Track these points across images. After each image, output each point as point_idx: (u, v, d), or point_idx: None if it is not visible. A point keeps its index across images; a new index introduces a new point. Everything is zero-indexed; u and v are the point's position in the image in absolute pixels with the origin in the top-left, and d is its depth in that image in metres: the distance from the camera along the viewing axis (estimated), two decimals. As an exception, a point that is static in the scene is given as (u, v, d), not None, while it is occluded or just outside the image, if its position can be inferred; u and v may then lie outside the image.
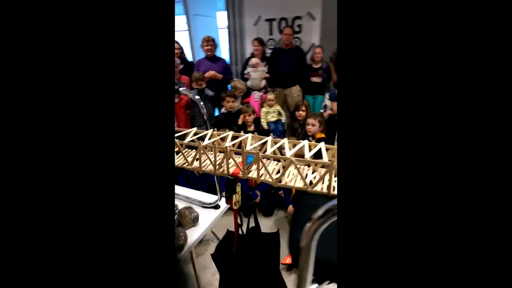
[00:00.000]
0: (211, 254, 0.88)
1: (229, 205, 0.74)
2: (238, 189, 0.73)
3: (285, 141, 0.74)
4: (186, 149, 0.84)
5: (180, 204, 1.20)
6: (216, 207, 1.22)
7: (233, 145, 0.74)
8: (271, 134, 0.80)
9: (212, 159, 0.73)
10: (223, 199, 1.21)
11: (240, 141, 0.76)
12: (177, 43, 2.87)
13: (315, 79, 2.80)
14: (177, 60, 2.63)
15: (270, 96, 2.60)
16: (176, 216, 1.08)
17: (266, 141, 0.75)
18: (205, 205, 1.23)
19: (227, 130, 2.09)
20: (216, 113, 2.81)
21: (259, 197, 2.06)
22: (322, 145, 0.70)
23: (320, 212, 0.38)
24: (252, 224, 0.87)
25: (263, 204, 2.06)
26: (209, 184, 2.05)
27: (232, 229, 0.82)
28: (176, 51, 2.79)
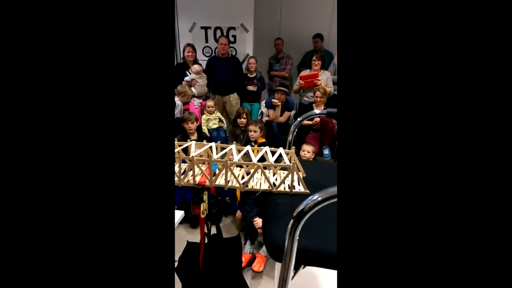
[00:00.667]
0: (175, 269, 0.85)
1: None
2: (205, 197, 0.74)
3: (248, 148, 0.79)
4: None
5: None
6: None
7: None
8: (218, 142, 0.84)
9: (177, 170, 0.72)
10: (177, 212, 1.17)
11: (205, 150, 0.78)
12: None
13: (251, 88, 2.96)
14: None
15: (210, 102, 2.61)
16: None
17: (211, 147, 0.79)
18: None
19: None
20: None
21: (205, 205, 2.05)
22: (281, 150, 0.78)
23: (301, 207, 0.45)
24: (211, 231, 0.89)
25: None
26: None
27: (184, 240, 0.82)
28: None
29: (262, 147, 0.79)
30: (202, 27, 3.14)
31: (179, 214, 1.17)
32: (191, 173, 0.73)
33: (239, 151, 0.78)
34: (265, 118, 2.79)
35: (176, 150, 0.77)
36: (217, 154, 0.76)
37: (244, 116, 2.44)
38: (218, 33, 3.13)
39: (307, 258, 0.52)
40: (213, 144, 0.80)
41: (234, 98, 2.92)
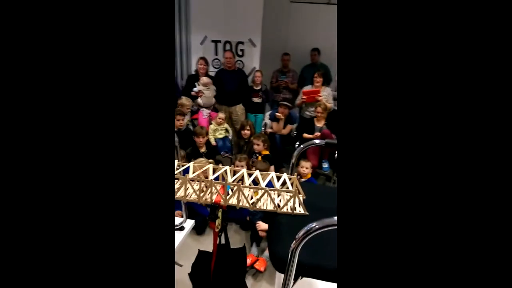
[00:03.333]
0: (188, 273, 0.98)
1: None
2: (220, 214, 0.87)
3: (257, 173, 0.93)
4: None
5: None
6: (181, 228, 1.30)
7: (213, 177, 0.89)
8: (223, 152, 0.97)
9: (197, 190, 0.86)
10: (189, 221, 1.31)
11: (221, 172, 0.91)
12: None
13: (256, 99, 3.10)
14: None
15: (221, 115, 2.75)
16: None
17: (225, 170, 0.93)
18: (168, 227, 1.30)
19: (181, 151, 2.12)
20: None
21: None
22: (285, 175, 0.92)
23: (302, 232, 0.58)
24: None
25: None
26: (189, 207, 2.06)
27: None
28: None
29: (269, 173, 0.92)
30: (212, 41, 3.30)
31: (190, 223, 1.31)
32: (208, 191, 0.86)
33: (249, 175, 0.92)
34: (268, 130, 2.93)
35: (196, 172, 0.91)
36: (231, 177, 0.89)
37: (248, 128, 2.57)
38: (227, 46, 3.29)
39: (304, 271, 0.66)
40: (227, 168, 0.93)
41: (240, 108, 3.06)
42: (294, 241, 0.58)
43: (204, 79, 2.86)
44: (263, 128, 3.09)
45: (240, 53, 3.30)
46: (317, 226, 0.57)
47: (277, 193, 0.93)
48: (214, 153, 2.55)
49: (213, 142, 2.71)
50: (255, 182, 0.90)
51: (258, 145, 2.39)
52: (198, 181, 0.85)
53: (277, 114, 2.83)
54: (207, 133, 2.50)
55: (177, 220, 1.34)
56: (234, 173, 0.94)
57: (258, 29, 3.25)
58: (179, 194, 0.87)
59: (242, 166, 2.36)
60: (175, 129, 2.53)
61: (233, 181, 0.86)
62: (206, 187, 0.87)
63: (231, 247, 1.02)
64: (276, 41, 3.42)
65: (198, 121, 2.90)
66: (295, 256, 0.59)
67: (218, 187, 0.87)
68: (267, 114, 3.17)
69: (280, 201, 0.90)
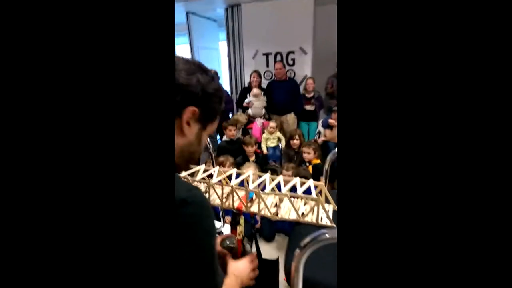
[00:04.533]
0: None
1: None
2: (242, 221, 0.85)
3: (280, 178, 0.88)
4: (196, 183, 0.98)
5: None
6: (220, 233, 1.33)
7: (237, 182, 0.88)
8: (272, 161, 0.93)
9: (220, 195, 0.86)
10: (226, 225, 1.32)
11: (244, 178, 0.90)
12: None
13: (309, 107, 3.00)
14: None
15: (273, 124, 2.78)
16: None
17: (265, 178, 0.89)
18: (209, 232, 1.34)
19: (229, 157, 2.20)
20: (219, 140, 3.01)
21: (259, 222, 2.16)
22: (310, 182, 0.84)
23: (305, 241, 0.51)
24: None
25: (264, 230, 2.15)
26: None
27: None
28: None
29: (293, 177, 0.86)
30: (263, 54, 3.40)
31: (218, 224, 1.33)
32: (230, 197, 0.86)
33: (272, 180, 0.88)
34: (321, 139, 2.78)
35: (221, 177, 0.92)
36: (253, 183, 0.87)
37: (297, 137, 2.50)
38: (278, 57, 3.33)
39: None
40: (251, 172, 0.92)
41: (291, 118, 3.02)
42: (298, 250, 0.52)
43: (254, 91, 2.96)
44: (316, 137, 2.96)
45: (290, 62, 3.29)
46: (327, 236, 0.49)
47: (303, 202, 0.86)
48: (264, 162, 2.56)
49: (265, 151, 2.73)
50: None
51: (308, 153, 2.29)
52: (221, 185, 0.85)
53: (330, 120, 2.68)
54: (256, 143, 2.54)
55: (217, 224, 1.37)
56: (259, 178, 0.91)
57: (309, 36, 3.19)
58: (204, 198, 0.89)
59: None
60: (227, 139, 2.67)
61: (256, 187, 0.84)
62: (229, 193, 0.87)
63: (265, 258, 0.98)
64: (328, 47, 3.29)
65: (252, 130, 2.99)
66: (299, 267, 0.52)
67: (241, 193, 0.86)
68: (320, 121, 3.02)
69: (306, 209, 0.83)
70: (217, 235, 1.33)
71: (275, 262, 0.96)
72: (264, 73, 3.41)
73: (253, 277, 0.69)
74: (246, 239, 0.94)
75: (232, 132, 2.62)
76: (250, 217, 0.93)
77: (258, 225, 2.14)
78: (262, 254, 0.98)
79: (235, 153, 2.48)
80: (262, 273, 0.96)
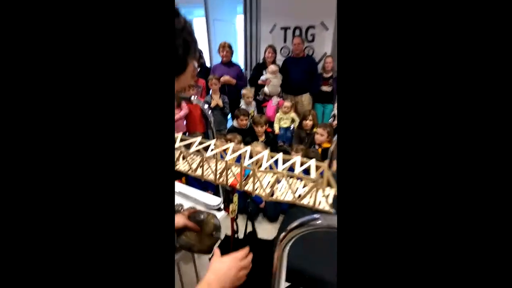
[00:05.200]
0: (209, 258, 0.96)
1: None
2: (235, 199, 0.80)
3: (279, 155, 0.81)
4: (192, 156, 0.93)
5: (185, 204, 1.29)
6: (219, 209, 1.30)
7: (235, 157, 0.82)
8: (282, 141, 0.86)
9: (214, 169, 0.81)
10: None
11: (240, 154, 0.84)
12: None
13: (326, 88, 2.84)
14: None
15: (287, 103, 2.67)
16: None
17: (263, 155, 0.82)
18: (209, 207, 1.32)
19: (237, 134, 2.14)
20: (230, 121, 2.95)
21: (264, 202, 2.13)
22: (312, 162, 0.76)
23: (294, 224, 0.44)
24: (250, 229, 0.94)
25: (268, 210, 2.12)
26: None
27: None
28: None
29: (293, 156, 0.79)
30: (281, 28, 3.20)
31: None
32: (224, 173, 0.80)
33: (272, 157, 0.80)
34: (336, 122, 2.65)
35: (217, 150, 0.86)
36: (266, 162, 0.79)
37: (310, 118, 2.38)
38: (297, 32, 3.12)
39: (305, 281, 0.51)
40: (248, 148, 0.85)
41: (306, 98, 2.88)
42: (283, 233, 0.46)
43: (272, 67, 2.82)
44: (331, 120, 2.82)
45: (310, 38, 3.08)
46: (319, 222, 0.43)
47: (304, 183, 0.79)
48: (273, 143, 2.49)
49: (277, 131, 2.65)
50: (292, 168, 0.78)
51: (322, 135, 2.18)
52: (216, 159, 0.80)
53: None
54: (266, 123, 2.45)
55: (217, 200, 1.35)
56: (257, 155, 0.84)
57: (332, 10, 2.94)
58: (197, 172, 0.84)
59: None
60: (239, 128, 2.60)
61: (250, 164, 0.77)
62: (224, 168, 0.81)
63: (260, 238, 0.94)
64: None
65: (267, 109, 2.89)
66: (283, 254, 0.46)
67: (237, 170, 0.80)
68: (336, 104, 2.86)
69: (304, 191, 0.76)
70: (218, 211, 1.30)
71: (271, 242, 0.92)
72: (281, 49, 3.23)
73: (242, 277, 0.64)
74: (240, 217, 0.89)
75: (244, 122, 2.55)
76: (247, 196, 0.88)
77: (262, 205, 2.12)
78: (263, 236, 0.94)
79: (245, 135, 2.42)
80: (257, 254, 0.92)
